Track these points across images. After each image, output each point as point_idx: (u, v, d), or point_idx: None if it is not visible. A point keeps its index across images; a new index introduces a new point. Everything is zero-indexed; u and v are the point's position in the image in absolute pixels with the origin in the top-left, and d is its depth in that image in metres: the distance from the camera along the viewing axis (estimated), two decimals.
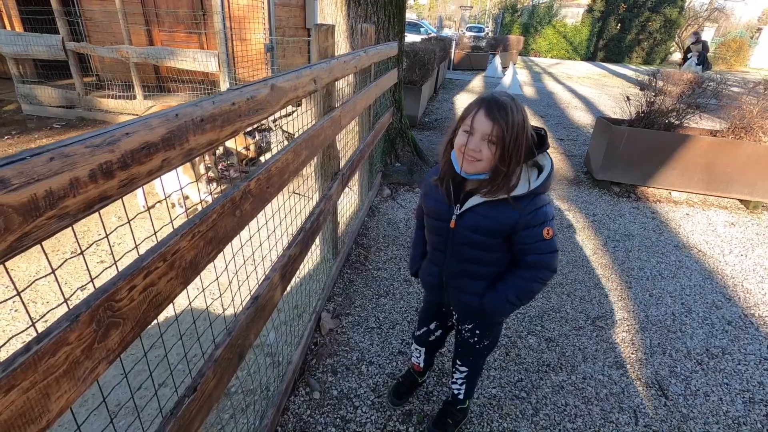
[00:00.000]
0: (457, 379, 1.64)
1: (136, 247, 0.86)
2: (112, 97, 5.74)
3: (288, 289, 2.44)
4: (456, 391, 1.66)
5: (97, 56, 5.89)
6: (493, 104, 1.11)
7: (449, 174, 1.26)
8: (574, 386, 1.96)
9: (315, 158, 2.41)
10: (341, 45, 3.90)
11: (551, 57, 23.97)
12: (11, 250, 0.52)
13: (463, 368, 1.61)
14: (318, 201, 2.08)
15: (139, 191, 3.01)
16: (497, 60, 13.11)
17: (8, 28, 6.60)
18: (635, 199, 4.17)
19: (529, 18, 24.54)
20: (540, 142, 1.18)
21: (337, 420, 1.74)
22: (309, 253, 2.56)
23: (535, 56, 24.14)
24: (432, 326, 1.66)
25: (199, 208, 3.20)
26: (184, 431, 1.00)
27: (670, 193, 4.33)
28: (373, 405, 1.81)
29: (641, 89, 4.34)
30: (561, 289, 2.67)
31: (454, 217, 1.25)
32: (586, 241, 3.31)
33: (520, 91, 10.30)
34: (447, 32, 25.51)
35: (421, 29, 18.07)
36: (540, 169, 1.19)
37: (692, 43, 10.37)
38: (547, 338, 2.25)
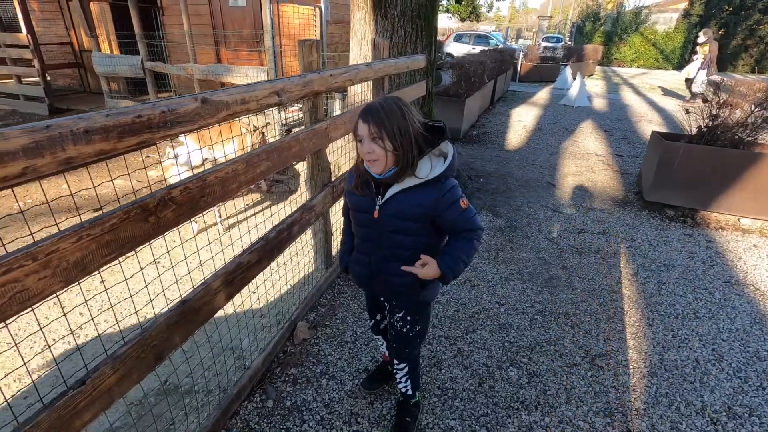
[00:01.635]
0: (401, 378, 1.71)
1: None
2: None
3: (277, 296, 2.52)
4: (404, 389, 1.73)
5: (169, 74, 6.59)
6: (365, 110, 1.27)
7: (367, 176, 1.36)
8: (545, 430, 1.75)
9: (307, 169, 2.46)
10: (369, 59, 3.96)
11: (637, 67, 22.11)
12: None
13: (402, 365, 1.67)
14: (294, 211, 2.12)
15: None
16: (568, 71, 12.39)
17: (107, 50, 7.65)
18: (691, 225, 3.67)
19: (613, 26, 22.90)
20: (439, 133, 1.32)
21: (282, 431, 1.73)
22: (299, 262, 2.61)
23: (619, 66, 22.42)
24: (378, 317, 1.77)
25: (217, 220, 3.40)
26: (68, 421, 1.06)
27: (738, 219, 3.75)
28: (321, 420, 1.78)
29: (703, 101, 3.83)
30: (565, 320, 2.42)
31: (377, 207, 1.36)
32: (613, 268, 2.97)
33: (588, 103, 9.62)
34: (523, 43, 24.71)
35: (491, 41, 17.71)
36: (445, 157, 1.33)
37: (700, 44, 9.16)
38: (531, 372, 2.05)
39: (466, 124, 6.51)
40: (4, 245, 0.94)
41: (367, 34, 3.89)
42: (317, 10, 6.31)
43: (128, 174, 1.18)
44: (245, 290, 2.41)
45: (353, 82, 2.49)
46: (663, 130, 7.33)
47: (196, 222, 3.48)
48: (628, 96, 11.34)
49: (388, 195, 1.33)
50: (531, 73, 13.93)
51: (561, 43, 20.39)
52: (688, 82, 9.88)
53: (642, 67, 21.92)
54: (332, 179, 2.54)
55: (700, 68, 9.33)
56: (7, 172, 0.85)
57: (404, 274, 1.38)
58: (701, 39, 9.40)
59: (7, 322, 0.94)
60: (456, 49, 16.78)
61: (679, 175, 3.79)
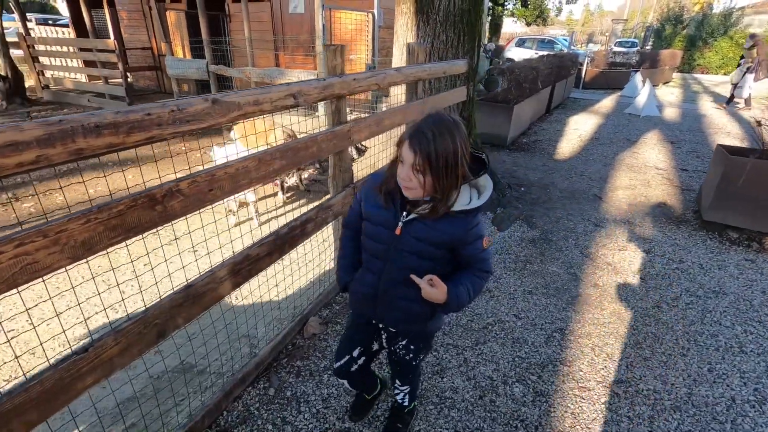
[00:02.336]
0: (397, 393, 1.69)
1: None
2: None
3: (295, 290, 2.61)
4: (401, 401, 1.70)
5: (230, 76, 7.05)
6: (416, 135, 1.13)
7: (394, 187, 1.26)
8: None
9: (330, 169, 2.54)
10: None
11: (723, 74, 20.10)
12: None
13: (404, 387, 1.64)
14: (310, 209, 2.19)
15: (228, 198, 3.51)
16: (638, 78, 11.57)
17: (180, 55, 8.34)
18: (756, 250, 3.29)
19: (698, 29, 21.02)
20: (479, 165, 1.23)
21: (278, 420, 1.80)
22: (318, 259, 2.68)
23: (702, 73, 20.54)
24: (355, 353, 1.54)
25: (252, 214, 3.60)
26: (68, 383, 1.20)
27: None
28: (316, 414, 1.83)
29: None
30: (586, 341, 2.28)
31: (400, 224, 1.26)
32: (652, 291, 2.75)
33: (657, 113, 8.93)
34: (589, 48, 23.39)
35: (556, 46, 17.01)
36: (479, 190, 1.24)
37: (747, 48, 8.69)
38: (538, 391, 1.96)
39: (515, 132, 6.31)
40: (21, 224, 1.09)
41: (408, 39, 3.93)
42: (370, 15, 6.45)
43: (174, 173, 1.30)
44: (264, 282, 2.53)
45: (380, 87, 2.53)
46: (743, 145, 6.64)
47: (234, 215, 3.69)
48: (705, 106, 10.38)
49: (415, 214, 1.24)
50: (597, 80, 13.19)
51: (635, 48, 19.12)
52: (734, 87, 9.53)
53: (729, 74, 19.90)
54: (354, 180, 2.59)
55: (746, 72, 8.97)
56: (22, 159, 0.98)
57: (413, 299, 1.31)
58: (748, 44, 9.04)
59: (19, 289, 1.08)
60: (517, 55, 16.30)
61: (745, 194, 3.41)
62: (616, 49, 17.92)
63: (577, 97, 11.40)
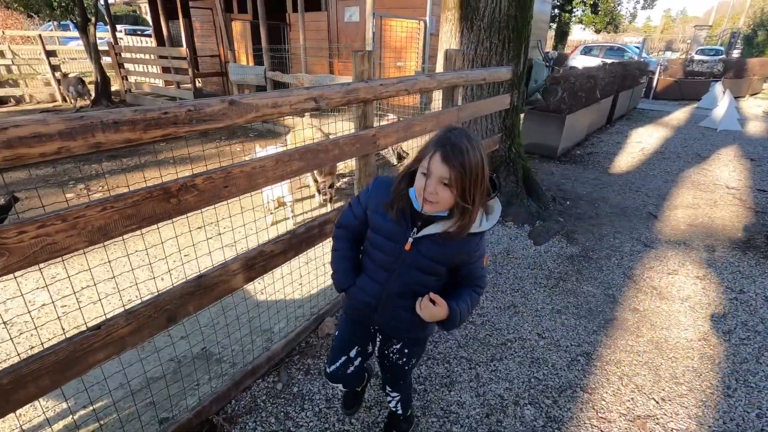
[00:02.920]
0: (390, 401, 1.67)
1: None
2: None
3: (316, 289, 2.66)
4: (395, 409, 1.69)
5: (285, 82, 7.39)
6: (449, 148, 1.09)
7: (405, 203, 1.23)
8: None
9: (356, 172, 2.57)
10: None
11: None
12: None
13: (395, 393, 1.63)
14: (330, 211, 2.23)
15: (265, 197, 3.68)
16: (717, 88, 10.57)
17: (244, 62, 8.88)
18: None
19: None
20: (491, 186, 1.21)
21: (281, 414, 1.84)
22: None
23: None
24: (352, 353, 1.50)
25: (289, 213, 3.71)
26: (80, 356, 1.31)
27: None
28: (318, 413, 1.85)
29: None
30: (615, 369, 2.11)
31: (410, 240, 1.23)
32: (701, 321, 2.48)
33: (738, 127, 8.09)
34: (667, 56, 21.75)
35: (626, 54, 16.00)
36: (487, 212, 1.23)
37: None
38: (551, 417, 1.83)
39: (567, 143, 6.01)
40: (43, 206, 1.22)
41: (451, 46, 3.89)
42: (422, 23, 6.47)
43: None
44: (287, 279, 2.61)
45: (409, 92, 2.53)
46: None
47: (272, 214, 3.85)
48: None
49: (426, 232, 1.21)
50: (670, 90, 12.22)
51: (720, 56, 17.51)
52: None
53: None
54: None
55: None
56: (45, 149, 1.10)
57: (413, 310, 1.27)
58: None
59: (40, 266, 1.20)
60: (582, 63, 15.52)
61: None
62: (698, 57, 16.53)
63: (646, 108, 10.64)
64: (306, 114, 6.90)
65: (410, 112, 6.55)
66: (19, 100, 9.51)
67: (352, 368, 1.53)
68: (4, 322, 1.64)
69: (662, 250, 3.33)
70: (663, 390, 1.99)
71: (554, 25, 24.73)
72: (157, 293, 1.52)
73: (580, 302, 2.66)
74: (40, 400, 1.90)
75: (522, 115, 5.94)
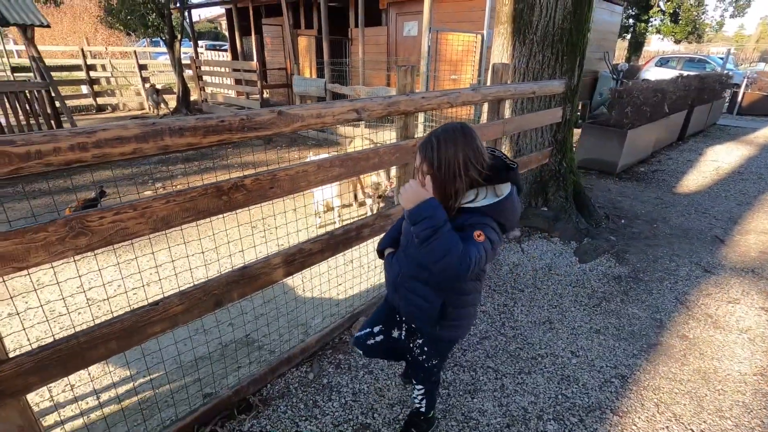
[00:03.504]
0: (417, 395, 1.73)
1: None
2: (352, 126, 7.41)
3: (356, 288, 2.77)
4: (418, 405, 1.75)
5: (343, 93, 7.73)
6: (425, 140, 1.28)
7: None
8: None
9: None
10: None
11: None
12: (11, 174, 1.13)
13: (419, 386, 1.70)
14: (368, 215, 2.36)
15: (317, 200, 3.92)
16: None
17: (308, 75, 9.39)
18: None
19: None
20: (499, 171, 1.26)
21: (310, 402, 1.98)
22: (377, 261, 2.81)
23: None
24: (376, 329, 1.65)
25: (334, 216, 3.87)
26: (141, 326, 1.53)
27: None
28: (344, 404, 1.96)
29: None
30: (652, 394, 2.01)
31: None
32: (759, 355, 2.28)
33: None
34: (762, 67, 19.71)
35: (708, 65, 14.79)
36: (496, 193, 1.28)
37: None
38: None
39: (628, 159, 5.71)
40: (120, 196, 1.45)
41: (503, 59, 3.91)
42: (479, 37, 6.50)
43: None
44: (325, 277, 2.77)
45: (452, 105, 2.61)
46: None
47: (319, 218, 4.06)
48: None
49: None
50: (759, 105, 11.11)
51: None
52: None
53: None
54: None
55: None
56: (123, 150, 1.33)
57: (421, 296, 1.39)
58: None
59: (114, 246, 1.43)
60: (657, 75, 14.57)
61: None
62: None
63: (727, 125, 9.76)
64: (361, 124, 7.17)
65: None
66: (114, 108, 10.77)
67: (372, 341, 1.66)
68: (85, 292, 1.94)
69: (725, 277, 3.09)
70: (704, 422, 1.87)
71: (628, 36, 23.44)
72: (206, 279, 1.72)
73: (623, 324, 2.55)
74: (108, 362, 2.20)
75: (579, 129, 5.75)
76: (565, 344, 2.37)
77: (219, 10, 14.33)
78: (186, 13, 10.46)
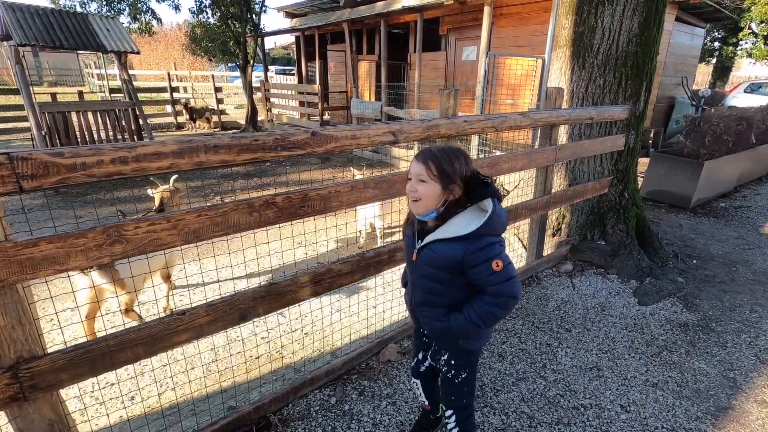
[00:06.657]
0: (448, 424, 1.64)
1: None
2: (398, 147, 7.47)
3: (388, 315, 2.70)
4: (450, 429, 1.66)
5: (398, 116, 7.82)
6: (424, 152, 1.35)
7: (414, 220, 1.46)
8: None
9: None
10: (563, 107, 3.78)
11: None
12: (57, 183, 1.23)
13: (449, 412, 1.61)
14: (401, 240, 2.30)
15: (359, 221, 3.95)
16: None
17: (367, 98, 9.66)
18: None
19: None
20: (484, 188, 1.32)
21: (329, 428, 1.92)
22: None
23: None
24: (420, 356, 1.69)
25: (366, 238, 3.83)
26: (167, 335, 1.57)
27: None
28: None
29: None
30: (707, 408, 1.72)
31: (415, 250, 1.42)
32: None
33: None
34: None
35: None
36: (483, 211, 1.32)
37: None
38: None
39: (705, 193, 5.16)
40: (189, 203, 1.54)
41: (561, 84, 3.74)
42: (539, 61, 6.32)
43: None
44: (355, 300, 2.73)
45: (497, 130, 2.52)
46: None
47: (362, 238, 4.06)
48: None
49: (425, 241, 1.37)
50: None
51: None
52: None
53: None
54: None
55: None
56: (161, 164, 1.40)
57: (436, 319, 1.42)
58: None
59: (148, 256, 1.51)
60: (746, 102, 13.24)
61: None
62: None
63: None
64: (414, 146, 7.18)
65: (519, 148, 6.36)
66: (192, 126, 11.77)
67: (423, 367, 1.70)
68: (117, 297, 2.06)
69: None
70: None
71: (713, 60, 21.71)
72: (233, 293, 1.75)
73: (686, 380, 2.24)
74: (135, 365, 2.30)
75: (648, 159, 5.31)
76: (614, 396, 2.12)
77: (291, 38, 15.36)
78: (259, 41, 11.28)
